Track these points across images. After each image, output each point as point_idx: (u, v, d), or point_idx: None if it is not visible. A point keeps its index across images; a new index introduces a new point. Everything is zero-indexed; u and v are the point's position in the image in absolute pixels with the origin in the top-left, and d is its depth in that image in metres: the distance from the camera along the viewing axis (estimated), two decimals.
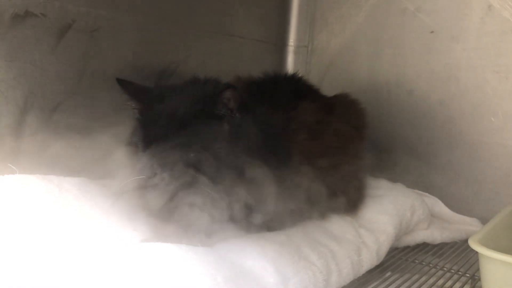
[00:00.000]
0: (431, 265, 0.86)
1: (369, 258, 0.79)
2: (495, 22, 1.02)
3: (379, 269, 0.82)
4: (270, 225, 0.73)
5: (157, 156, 0.65)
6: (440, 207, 1.07)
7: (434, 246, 0.94)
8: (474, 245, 0.68)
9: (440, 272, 0.83)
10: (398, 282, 0.78)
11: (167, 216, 0.68)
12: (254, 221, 0.70)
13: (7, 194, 0.70)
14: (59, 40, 0.83)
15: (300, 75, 0.99)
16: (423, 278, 0.80)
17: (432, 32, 1.11)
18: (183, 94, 0.69)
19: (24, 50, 0.79)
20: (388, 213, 0.89)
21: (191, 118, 0.66)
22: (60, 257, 0.62)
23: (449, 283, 0.79)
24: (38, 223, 0.67)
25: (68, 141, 0.81)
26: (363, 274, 0.78)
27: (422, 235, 0.95)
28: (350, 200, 0.88)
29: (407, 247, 0.93)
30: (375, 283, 0.77)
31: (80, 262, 0.61)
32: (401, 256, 0.89)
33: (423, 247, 0.94)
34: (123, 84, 0.71)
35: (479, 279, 0.75)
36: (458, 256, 0.89)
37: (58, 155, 0.80)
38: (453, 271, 0.83)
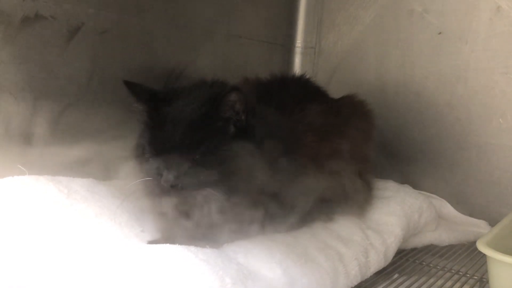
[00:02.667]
0: (438, 267, 0.86)
1: (377, 260, 0.79)
2: (503, 23, 1.02)
3: (386, 271, 0.82)
4: (276, 227, 0.73)
5: (164, 158, 0.65)
6: (448, 209, 1.07)
7: (442, 248, 0.94)
8: (482, 247, 0.68)
9: (448, 274, 0.83)
10: (406, 284, 0.78)
11: (175, 218, 0.68)
12: (261, 222, 0.71)
13: (16, 194, 0.71)
14: (69, 42, 0.83)
15: (307, 77, 0.99)
16: (431, 280, 0.80)
17: (440, 33, 1.11)
18: (190, 97, 0.69)
19: (34, 52, 0.79)
20: (396, 214, 0.89)
21: (198, 121, 0.66)
22: (68, 257, 0.62)
23: (457, 285, 0.79)
24: (47, 224, 0.67)
25: (76, 142, 0.82)
26: (371, 276, 0.78)
27: (430, 237, 0.95)
28: (358, 202, 0.88)
29: (415, 248, 0.93)
30: (382, 285, 0.77)
31: (88, 262, 0.62)
32: (408, 258, 0.89)
33: (430, 249, 0.94)
34: (131, 86, 0.71)
35: (487, 282, 0.74)
36: (466, 258, 0.89)
37: (67, 156, 0.81)
38: (461, 273, 0.83)
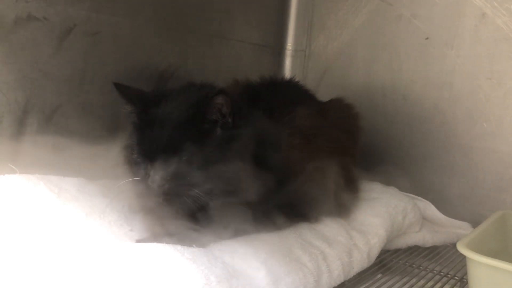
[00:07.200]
0: (421, 267, 0.87)
1: (360, 260, 0.80)
2: (488, 29, 1.04)
3: (370, 271, 0.83)
4: (263, 227, 0.75)
5: (151, 159, 0.67)
6: (432, 211, 1.08)
7: (425, 249, 0.96)
8: (461, 249, 0.69)
9: (430, 275, 0.84)
10: (388, 284, 0.79)
11: (162, 217, 0.69)
12: (247, 222, 0.72)
13: (7, 193, 0.72)
14: (61, 43, 0.84)
15: (296, 80, 1.01)
16: (413, 280, 0.81)
17: (427, 38, 1.13)
18: (178, 99, 0.71)
19: (26, 52, 0.80)
20: (380, 216, 0.90)
21: (185, 123, 0.67)
22: (58, 256, 0.63)
23: (438, 285, 0.80)
24: (38, 223, 0.68)
25: (67, 142, 0.83)
26: (354, 276, 0.79)
27: (414, 238, 0.96)
28: (344, 203, 0.89)
29: (399, 249, 0.94)
30: (365, 285, 0.78)
31: (77, 261, 0.63)
32: (392, 259, 0.90)
33: (414, 249, 0.95)
34: (120, 88, 0.72)
35: (467, 282, 0.76)
36: (448, 259, 0.91)
37: (58, 155, 0.82)
38: (442, 274, 0.85)
